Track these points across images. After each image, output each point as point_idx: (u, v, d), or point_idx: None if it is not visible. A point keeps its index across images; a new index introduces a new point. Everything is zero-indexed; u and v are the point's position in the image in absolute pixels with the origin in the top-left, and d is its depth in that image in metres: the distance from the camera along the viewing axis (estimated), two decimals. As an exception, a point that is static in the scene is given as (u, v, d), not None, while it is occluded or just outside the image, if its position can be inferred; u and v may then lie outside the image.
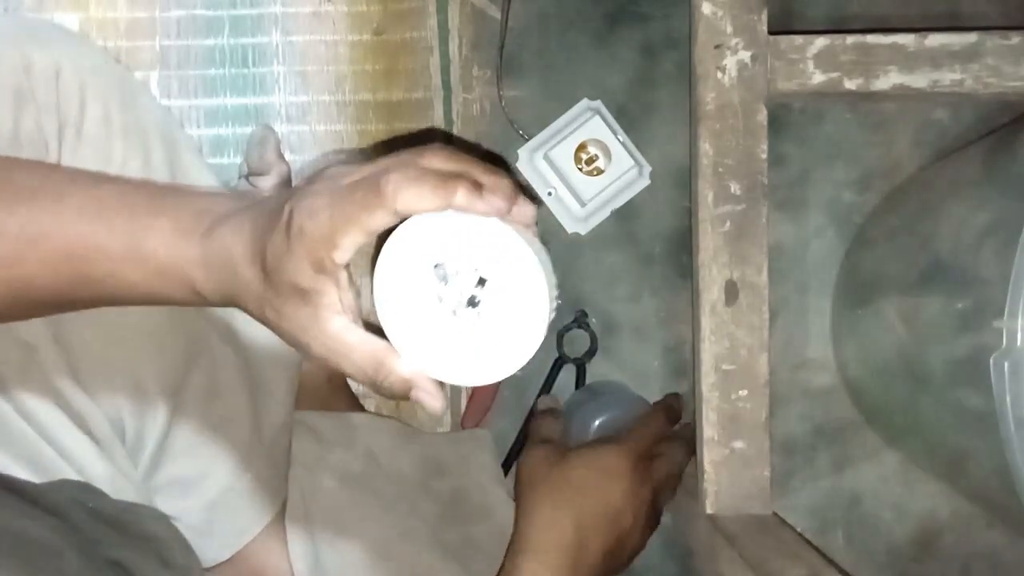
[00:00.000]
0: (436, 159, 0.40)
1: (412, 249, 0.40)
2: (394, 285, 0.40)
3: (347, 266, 0.40)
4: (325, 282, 0.40)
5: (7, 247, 0.43)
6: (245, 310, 0.43)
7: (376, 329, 0.42)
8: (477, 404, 0.96)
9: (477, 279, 0.41)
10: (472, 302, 0.40)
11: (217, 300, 0.43)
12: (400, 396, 0.42)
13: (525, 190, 0.43)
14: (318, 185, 0.40)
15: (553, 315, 0.42)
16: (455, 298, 0.41)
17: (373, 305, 0.41)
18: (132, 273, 0.43)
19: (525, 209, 0.43)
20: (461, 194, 0.39)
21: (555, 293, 0.42)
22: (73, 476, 0.59)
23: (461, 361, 0.41)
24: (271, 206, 0.42)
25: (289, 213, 0.39)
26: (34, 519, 0.51)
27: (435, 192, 0.38)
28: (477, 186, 0.39)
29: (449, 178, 0.39)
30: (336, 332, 0.41)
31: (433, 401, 0.42)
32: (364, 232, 0.39)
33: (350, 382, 0.91)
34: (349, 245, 0.39)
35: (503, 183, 0.41)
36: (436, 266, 0.40)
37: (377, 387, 0.42)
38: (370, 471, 0.78)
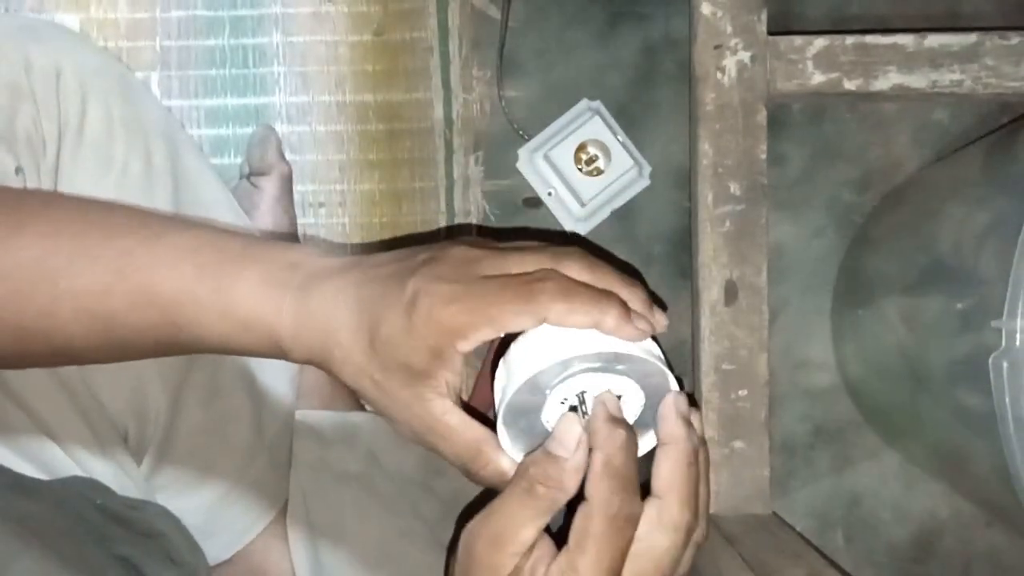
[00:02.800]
0: (579, 268, 0.39)
1: (544, 360, 0.38)
2: (519, 391, 0.39)
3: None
4: (440, 367, 0.39)
5: (98, 278, 0.42)
6: (336, 374, 0.41)
7: (473, 410, 0.41)
8: (478, 403, 0.96)
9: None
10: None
11: (300, 359, 0.42)
12: (493, 486, 0.41)
13: (657, 300, 0.41)
14: (449, 270, 0.38)
15: None
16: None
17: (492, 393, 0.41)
18: (217, 322, 0.42)
19: (659, 320, 0.40)
20: (612, 318, 0.37)
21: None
22: (80, 475, 0.59)
23: None
24: (383, 276, 0.39)
25: (414, 293, 0.38)
26: (49, 510, 0.51)
27: (586, 311, 0.37)
28: (624, 308, 0.38)
29: (600, 297, 0.38)
30: (439, 414, 0.40)
31: None
32: (500, 331, 0.38)
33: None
34: (477, 339, 0.38)
35: (643, 298, 0.40)
36: (563, 402, 0.39)
37: (471, 474, 0.41)
38: (371, 471, 0.78)
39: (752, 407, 0.86)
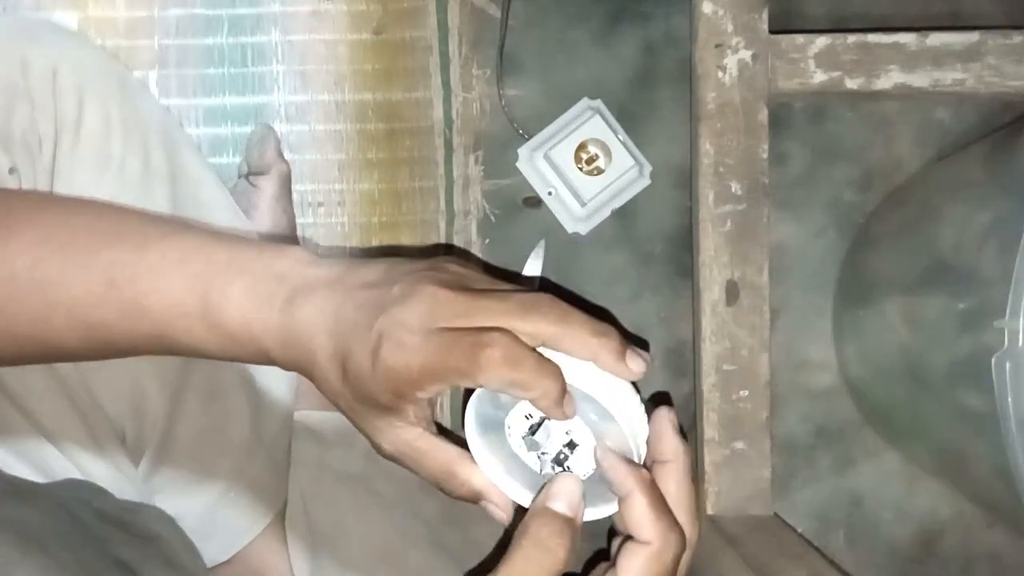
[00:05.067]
0: (547, 321, 0.38)
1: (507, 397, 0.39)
2: (486, 418, 0.40)
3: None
4: (405, 404, 0.39)
5: (90, 289, 0.43)
6: (317, 387, 0.42)
7: (449, 434, 0.42)
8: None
9: (568, 440, 0.40)
10: (559, 460, 0.40)
11: (289, 369, 0.43)
12: (468, 501, 0.42)
13: (638, 341, 0.40)
14: (412, 314, 0.38)
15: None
16: (542, 450, 0.40)
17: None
18: (206, 334, 0.42)
19: (634, 368, 0.40)
20: (547, 400, 0.38)
21: (644, 450, 0.41)
22: (76, 475, 0.59)
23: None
24: (360, 302, 0.39)
25: (378, 338, 0.38)
26: (47, 516, 0.51)
27: (524, 388, 0.37)
28: (561, 388, 0.38)
29: (542, 372, 0.37)
30: (409, 439, 0.41)
31: (500, 513, 0.42)
32: (450, 387, 0.38)
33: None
34: (433, 391, 0.38)
35: (614, 348, 0.39)
36: (527, 417, 0.40)
37: (446, 492, 0.42)
38: (370, 471, 0.78)
39: (753, 407, 0.86)
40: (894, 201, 0.98)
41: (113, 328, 0.43)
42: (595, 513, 0.40)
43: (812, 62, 0.87)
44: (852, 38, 0.87)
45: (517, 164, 0.97)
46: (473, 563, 0.77)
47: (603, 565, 0.40)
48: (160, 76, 0.95)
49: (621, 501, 0.39)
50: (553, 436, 0.40)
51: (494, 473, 0.41)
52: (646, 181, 0.97)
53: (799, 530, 0.87)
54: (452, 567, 0.74)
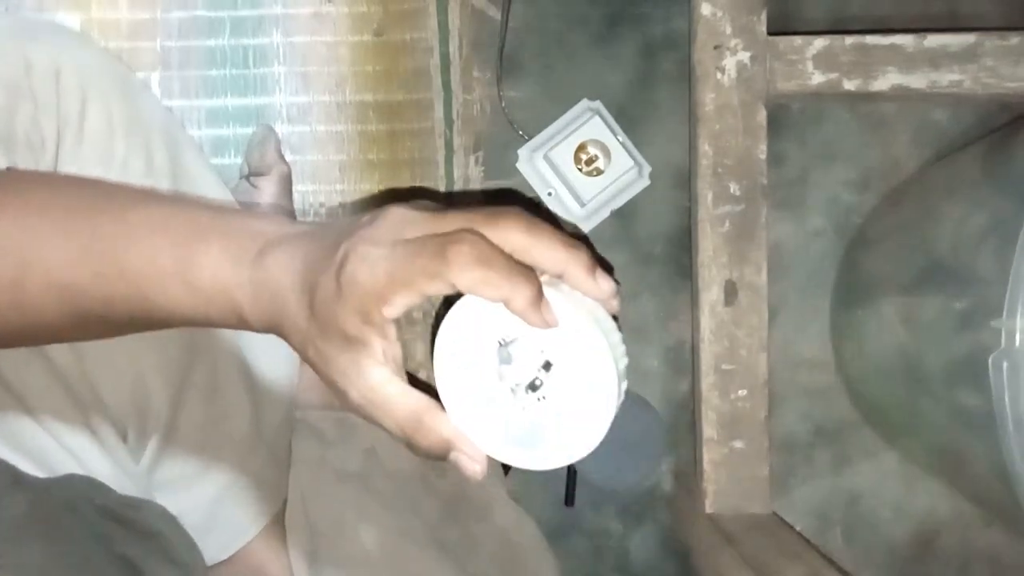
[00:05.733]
0: (515, 230, 0.37)
1: (478, 320, 0.38)
2: (455, 352, 0.38)
3: (397, 320, 0.38)
4: (371, 333, 0.38)
5: (68, 254, 0.43)
6: (288, 342, 0.41)
7: (422, 386, 0.39)
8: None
9: (543, 362, 0.38)
10: (533, 386, 0.38)
11: (261, 328, 0.42)
12: (438, 456, 0.39)
13: (604, 264, 0.38)
14: (378, 230, 0.38)
15: (621, 400, 0.38)
16: (516, 379, 0.38)
17: (431, 360, 0.39)
18: (182, 294, 0.42)
19: (603, 285, 0.38)
20: (521, 300, 0.36)
21: (624, 383, 0.39)
22: (78, 471, 0.59)
23: (514, 440, 0.39)
24: (328, 240, 0.39)
25: (344, 255, 0.37)
26: (52, 510, 0.51)
27: (497, 287, 0.36)
28: (536, 292, 0.36)
29: (515, 273, 0.36)
30: (376, 383, 0.39)
31: (472, 465, 0.39)
32: (420, 296, 0.37)
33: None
34: (401, 304, 0.37)
35: (585, 263, 0.38)
36: (500, 343, 0.38)
37: (414, 446, 0.39)
38: (370, 469, 0.78)
39: (752, 407, 0.86)
40: (892, 202, 0.98)
41: (88, 290, 0.43)
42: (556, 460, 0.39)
43: (810, 63, 0.88)
44: (850, 40, 0.88)
45: (517, 165, 0.97)
46: (473, 561, 0.77)
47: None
48: (162, 77, 0.95)
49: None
50: (527, 358, 0.38)
51: (465, 422, 0.39)
52: (645, 182, 0.98)
53: (797, 528, 0.88)
54: (452, 565, 0.75)
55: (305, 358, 0.41)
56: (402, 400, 0.39)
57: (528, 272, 0.37)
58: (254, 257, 0.41)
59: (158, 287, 0.43)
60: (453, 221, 0.37)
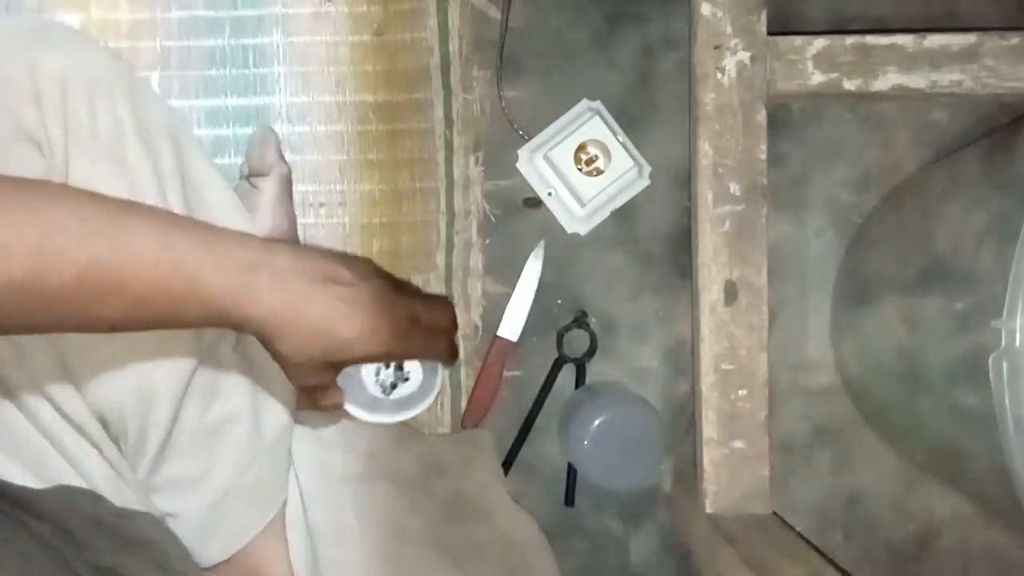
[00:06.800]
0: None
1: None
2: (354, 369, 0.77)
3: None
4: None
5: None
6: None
7: None
8: (477, 404, 0.96)
9: (405, 376, 0.85)
10: (393, 386, 0.85)
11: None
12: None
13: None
14: (289, 347, 0.52)
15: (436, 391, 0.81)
16: (384, 380, 0.85)
17: None
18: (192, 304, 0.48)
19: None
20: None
21: (436, 393, 0.81)
22: (74, 478, 0.59)
23: (373, 408, 0.79)
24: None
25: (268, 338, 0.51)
26: (31, 526, 0.51)
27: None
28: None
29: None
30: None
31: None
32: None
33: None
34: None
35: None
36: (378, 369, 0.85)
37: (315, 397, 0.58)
38: (370, 471, 0.78)
39: (752, 407, 0.86)
40: (892, 202, 0.98)
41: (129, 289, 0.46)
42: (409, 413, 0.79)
43: (810, 63, 0.88)
44: (850, 39, 0.88)
45: (517, 165, 0.97)
46: (473, 562, 0.77)
47: None
48: (162, 77, 0.95)
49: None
50: (390, 376, 0.85)
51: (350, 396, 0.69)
52: (645, 182, 0.98)
53: (797, 528, 0.88)
54: (452, 567, 0.75)
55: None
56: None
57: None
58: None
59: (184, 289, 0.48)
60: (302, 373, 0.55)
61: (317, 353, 0.52)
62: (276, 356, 0.52)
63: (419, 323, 0.56)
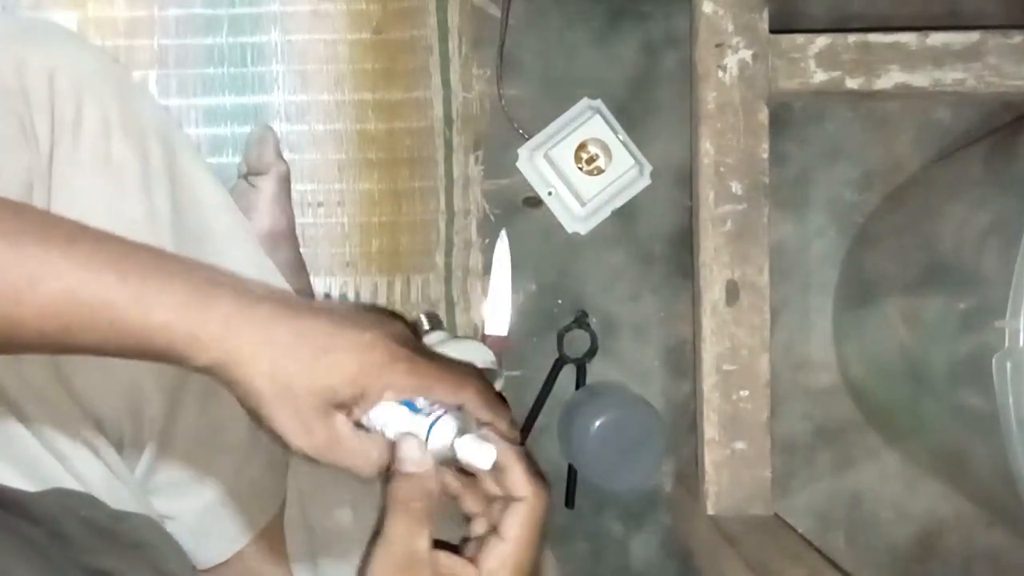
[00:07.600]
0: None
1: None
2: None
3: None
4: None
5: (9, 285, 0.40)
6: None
7: None
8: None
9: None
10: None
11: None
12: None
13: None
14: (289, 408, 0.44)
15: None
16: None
17: None
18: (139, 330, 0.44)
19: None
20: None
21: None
22: (70, 480, 0.59)
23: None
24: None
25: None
26: (21, 529, 0.51)
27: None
28: None
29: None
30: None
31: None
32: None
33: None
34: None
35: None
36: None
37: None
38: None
39: (753, 407, 0.86)
40: (894, 201, 0.98)
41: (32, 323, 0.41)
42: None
43: (812, 62, 0.87)
44: (852, 38, 0.87)
45: (517, 164, 0.97)
46: (473, 563, 0.76)
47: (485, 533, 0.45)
48: (160, 76, 0.95)
49: (500, 469, 0.46)
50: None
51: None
52: (646, 181, 0.97)
53: (799, 530, 0.87)
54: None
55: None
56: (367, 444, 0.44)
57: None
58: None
59: (108, 318, 0.44)
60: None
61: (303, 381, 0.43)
62: (247, 400, 0.46)
63: (432, 354, 0.46)
